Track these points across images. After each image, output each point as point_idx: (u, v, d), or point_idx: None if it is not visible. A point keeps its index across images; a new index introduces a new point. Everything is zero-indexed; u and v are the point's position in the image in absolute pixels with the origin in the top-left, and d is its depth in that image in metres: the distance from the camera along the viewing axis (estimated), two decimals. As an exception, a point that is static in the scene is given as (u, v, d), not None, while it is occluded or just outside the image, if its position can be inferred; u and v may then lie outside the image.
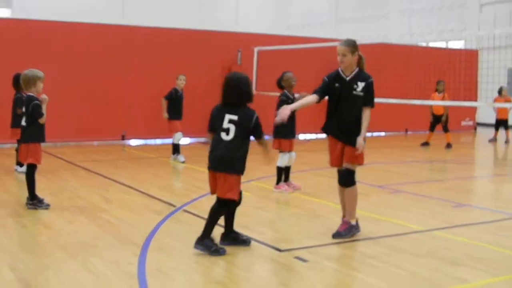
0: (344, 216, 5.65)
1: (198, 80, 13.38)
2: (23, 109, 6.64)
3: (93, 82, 13.43)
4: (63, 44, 13.15)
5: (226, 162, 4.88)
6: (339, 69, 5.56)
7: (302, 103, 5.58)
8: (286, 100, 7.76)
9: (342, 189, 5.65)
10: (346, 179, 5.56)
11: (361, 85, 5.43)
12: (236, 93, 4.93)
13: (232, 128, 4.89)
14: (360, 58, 5.53)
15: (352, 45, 5.47)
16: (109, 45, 13.69)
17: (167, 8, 25.65)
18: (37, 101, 6.50)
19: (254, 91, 5.01)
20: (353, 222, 5.59)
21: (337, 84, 5.48)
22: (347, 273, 4.53)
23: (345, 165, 5.52)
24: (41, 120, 6.55)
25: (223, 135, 4.89)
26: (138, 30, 14.24)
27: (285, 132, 7.87)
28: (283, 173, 8.02)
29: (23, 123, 6.64)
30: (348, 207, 5.61)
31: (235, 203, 5.03)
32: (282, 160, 7.97)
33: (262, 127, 4.98)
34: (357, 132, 5.40)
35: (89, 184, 8.31)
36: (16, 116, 8.92)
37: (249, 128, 4.90)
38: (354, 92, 5.43)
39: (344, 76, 5.50)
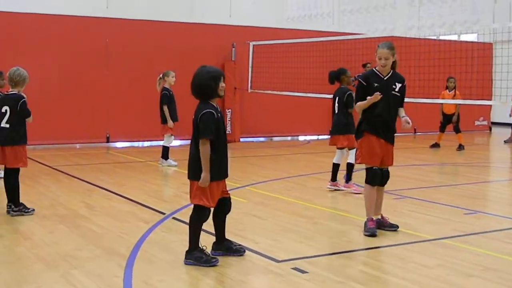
0: (378, 214, 6.14)
1: (189, 78, 13.39)
2: (5, 109, 6.57)
3: (74, 79, 13.46)
4: (41, 38, 13.18)
5: (189, 166, 4.98)
6: (375, 69, 6.06)
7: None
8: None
9: (380, 188, 6.14)
10: (388, 178, 6.17)
11: (398, 85, 6.04)
12: (192, 87, 4.95)
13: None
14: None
15: (393, 48, 5.99)
16: (92, 40, 13.72)
17: (155, -1, 25.65)
18: (24, 99, 6.56)
19: (219, 85, 4.92)
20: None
21: (376, 84, 5.95)
22: (350, 286, 4.56)
23: (386, 166, 6.11)
24: (29, 120, 6.61)
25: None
26: (124, 23, 14.28)
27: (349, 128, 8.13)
28: (352, 171, 8.34)
29: (4, 124, 6.60)
30: (381, 204, 6.19)
31: (208, 210, 4.98)
32: (351, 156, 8.17)
33: (209, 125, 4.79)
34: (395, 130, 6.08)
35: (71, 190, 8.33)
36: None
37: (197, 126, 4.87)
38: (393, 92, 6.00)
39: (382, 76, 6.01)
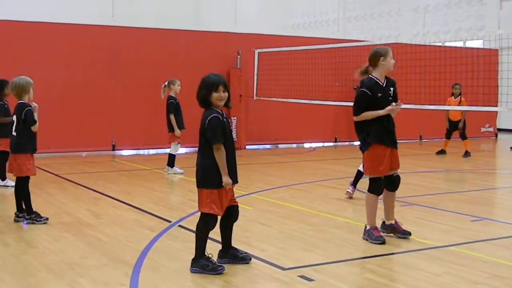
0: (392, 219, 6.18)
1: (194, 86, 13.38)
2: (13, 118, 6.73)
3: (80, 87, 13.50)
4: (47, 46, 13.23)
5: (197, 175, 4.97)
6: (373, 76, 6.01)
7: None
8: None
9: (390, 194, 6.20)
10: (399, 183, 6.22)
11: (392, 90, 6.10)
12: (197, 94, 4.97)
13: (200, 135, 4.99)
14: None
15: None
16: (98, 48, 13.77)
17: (160, 7, 25.75)
18: (30, 108, 6.61)
19: (215, 94, 4.93)
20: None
21: (379, 94, 5.95)
22: (356, 293, 4.55)
23: (395, 170, 6.14)
24: (34, 128, 6.66)
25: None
26: (130, 32, 14.33)
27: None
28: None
29: (13, 132, 6.73)
30: (393, 209, 6.24)
31: (216, 218, 4.98)
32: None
33: (217, 130, 4.81)
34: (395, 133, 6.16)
35: (77, 198, 8.35)
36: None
37: (205, 133, 4.87)
38: (390, 98, 6.03)
39: (381, 84, 6.03)
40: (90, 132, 13.63)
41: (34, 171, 6.86)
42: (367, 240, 5.97)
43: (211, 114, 4.87)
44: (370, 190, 6.07)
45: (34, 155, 6.85)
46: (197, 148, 5.05)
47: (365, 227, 6.07)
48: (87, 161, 12.80)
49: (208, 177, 4.88)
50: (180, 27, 15.61)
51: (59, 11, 21.49)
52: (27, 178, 6.80)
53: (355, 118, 6.04)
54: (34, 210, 6.79)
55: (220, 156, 4.83)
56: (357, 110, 6.00)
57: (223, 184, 4.84)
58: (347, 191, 8.32)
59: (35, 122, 6.66)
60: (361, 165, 7.83)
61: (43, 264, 5.15)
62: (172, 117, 10.52)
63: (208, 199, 4.89)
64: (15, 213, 6.82)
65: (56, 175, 10.48)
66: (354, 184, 8.37)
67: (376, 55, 6.01)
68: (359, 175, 8.30)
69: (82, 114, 13.54)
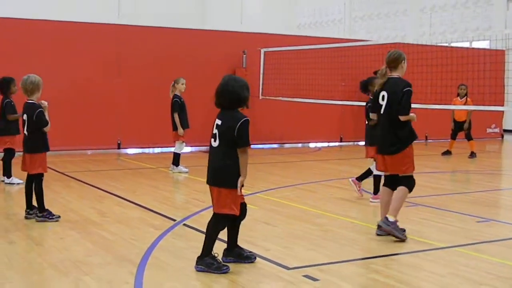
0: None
1: (200, 85, 13.41)
2: (24, 117, 6.75)
3: (85, 85, 13.52)
4: (52, 45, 13.24)
5: (216, 174, 4.95)
6: (400, 77, 6.28)
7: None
8: None
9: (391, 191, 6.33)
10: None
11: None
12: (220, 95, 4.95)
13: (217, 134, 4.95)
14: None
15: None
16: (103, 47, 13.79)
17: (166, 6, 25.78)
18: (41, 109, 6.65)
19: (248, 95, 4.98)
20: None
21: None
22: (361, 293, 4.55)
23: None
24: (46, 129, 6.70)
25: (212, 142, 5.00)
26: (135, 31, 14.34)
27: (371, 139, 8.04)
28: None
29: (25, 131, 6.77)
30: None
31: (232, 217, 5.00)
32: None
33: (248, 133, 4.89)
34: None
35: (82, 196, 8.36)
36: (4, 123, 9.03)
37: (234, 133, 4.84)
38: None
39: None
40: (95, 130, 13.65)
41: (46, 169, 6.88)
42: (391, 231, 5.97)
43: (243, 116, 4.89)
44: (409, 186, 6.15)
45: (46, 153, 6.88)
46: (203, 147, 5.07)
47: (386, 218, 6.03)
48: (93, 159, 12.82)
49: (230, 176, 4.87)
50: (186, 26, 15.60)
51: (65, 9, 21.56)
52: (41, 175, 6.82)
53: (405, 118, 6.09)
54: (46, 208, 6.80)
55: (247, 158, 4.89)
56: (408, 109, 6.12)
57: (238, 182, 4.85)
58: (358, 191, 8.27)
59: (47, 123, 6.70)
60: (374, 164, 7.74)
61: (48, 262, 5.17)
62: (176, 116, 10.53)
63: (228, 199, 4.88)
64: (26, 211, 6.84)
65: (61, 173, 10.50)
66: (360, 180, 8.33)
67: (400, 58, 6.19)
68: (367, 173, 8.26)
69: (88, 112, 13.56)
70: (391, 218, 6.02)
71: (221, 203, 4.91)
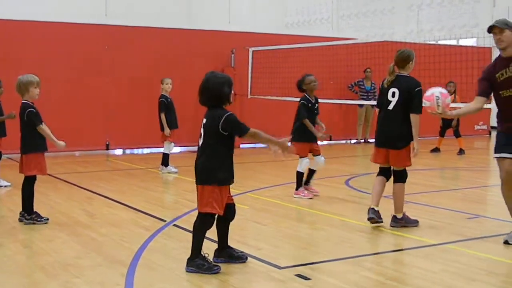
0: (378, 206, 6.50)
1: (188, 85, 13.33)
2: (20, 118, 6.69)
3: (73, 86, 13.42)
4: (40, 45, 13.13)
5: (201, 172, 4.91)
6: (409, 75, 6.61)
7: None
8: (306, 104, 8.50)
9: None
10: None
11: None
12: (201, 92, 4.94)
13: (202, 133, 4.94)
14: None
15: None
16: (91, 46, 13.70)
17: (154, 6, 25.69)
18: (32, 109, 6.57)
19: (230, 92, 4.97)
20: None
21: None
22: (353, 292, 4.54)
23: None
24: (39, 129, 6.62)
25: (199, 141, 4.98)
26: (123, 30, 14.27)
27: (298, 136, 8.48)
28: (302, 179, 8.38)
29: (20, 133, 6.71)
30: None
31: (215, 217, 4.98)
32: (301, 165, 8.33)
33: (241, 124, 4.89)
34: None
35: (71, 198, 8.31)
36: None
37: (218, 130, 4.81)
38: None
39: None
40: (83, 131, 13.54)
41: (44, 171, 6.79)
42: (404, 225, 6.37)
43: (226, 112, 4.85)
44: (403, 180, 6.51)
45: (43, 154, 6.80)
46: (191, 147, 5.04)
47: (395, 216, 6.43)
48: (81, 160, 12.75)
49: (212, 173, 4.84)
50: (174, 26, 15.55)
51: (52, 9, 21.41)
52: (34, 177, 6.75)
53: (417, 117, 6.35)
54: (34, 210, 6.73)
55: (257, 134, 4.95)
56: (421, 108, 6.29)
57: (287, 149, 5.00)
58: (313, 192, 8.36)
59: (38, 124, 6.60)
60: (299, 165, 8.31)
61: (37, 265, 5.12)
62: (162, 116, 10.49)
63: (210, 197, 4.84)
64: (20, 213, 6.76)
65: (49, 175, 10.41)
66: (308, 183, 8.49)
67: (409, 59, 6.43)
68: (310, 175, 8.52)
69: (75, 113, 13.46)
70: (399, 216, 6.42)
71: (204, 201, 4.88)
